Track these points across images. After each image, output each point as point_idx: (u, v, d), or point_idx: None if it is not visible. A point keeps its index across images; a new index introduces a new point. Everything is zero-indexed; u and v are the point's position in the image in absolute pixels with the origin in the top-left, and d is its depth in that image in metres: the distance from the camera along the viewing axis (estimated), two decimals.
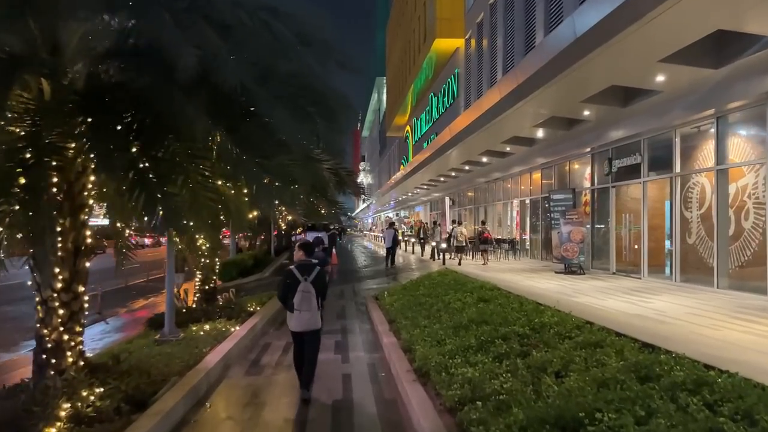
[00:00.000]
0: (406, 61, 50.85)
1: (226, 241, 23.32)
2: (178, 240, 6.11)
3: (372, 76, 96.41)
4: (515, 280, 13.93)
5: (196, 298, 10.74)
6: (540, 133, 16.77)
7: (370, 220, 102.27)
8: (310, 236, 28.83)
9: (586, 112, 13.69)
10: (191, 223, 5.22)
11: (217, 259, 10.81)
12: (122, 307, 18.08)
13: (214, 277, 10.74)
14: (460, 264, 19.62)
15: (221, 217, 6.70)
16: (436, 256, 23.20)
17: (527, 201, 22.95)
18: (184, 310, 10.53)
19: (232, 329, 9.17)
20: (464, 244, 21.07)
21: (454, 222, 25.50)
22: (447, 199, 30.24)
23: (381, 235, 36.18)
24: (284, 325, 10.28)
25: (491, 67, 25.51)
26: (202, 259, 9.95)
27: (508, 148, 19.79)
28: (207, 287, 10.57)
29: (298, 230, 32.13)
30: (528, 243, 22.88)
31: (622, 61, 9.95)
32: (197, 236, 6.01)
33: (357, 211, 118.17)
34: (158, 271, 27.02)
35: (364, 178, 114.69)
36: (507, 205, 25.95)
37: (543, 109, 14.13)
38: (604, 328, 5.79)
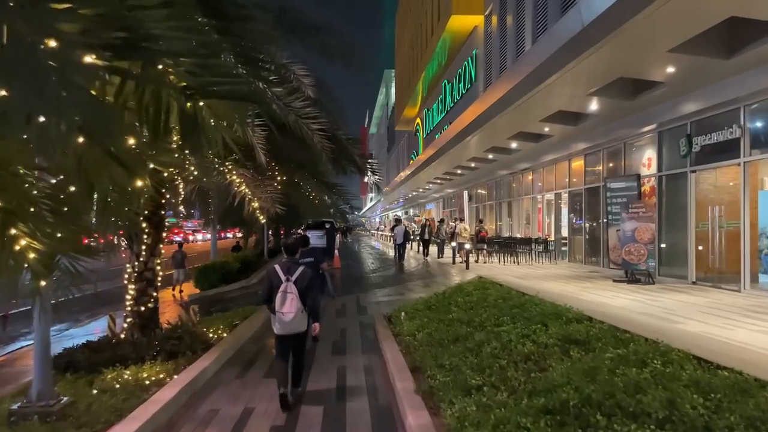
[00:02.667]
0: (417, 48, 47.48)
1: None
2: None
3: (380, 70, 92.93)
4: (569, 293, 10.52)
5: (125, 325, 7.38)
6: (594, 106, 13.29)
7: (377, 219, 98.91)
8: (311, 235, 25.50)
9: (670, 69, 10.20)
10: None
11: (158, 265, 7.43)
12: (75, 321, 14.83)
13: (154, 293, 7.36)
14: (455, 263, 18.96)
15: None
16: (454, 259, 19.89)
17: (564, 194, 19.47)
18: (114, 341, 7.25)
19: (165, 379, 5.82)
20: (466, 241, 19.44)
21: (456, 219, 22.95)
22: (465, 194, 26.85)
23: (390, 234, 32.93)
24: (252, 367, 6.95)
25: (517, 44, 22.01)
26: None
27: (546, 129, 16.32)
28: (142, 307, 7.20)
29: (301, 228, 28.89)
30: (566, 244, 19.38)
31: None
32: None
33: (364, 209, 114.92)
34: None
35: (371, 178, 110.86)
36: (536, 199, 22.46)
37: (608, 66, 10.64)
38: None
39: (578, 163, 18.11)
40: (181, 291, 16.77)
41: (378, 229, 72.75)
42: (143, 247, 7.21)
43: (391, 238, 28.97)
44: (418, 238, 28.69)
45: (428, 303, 9.02)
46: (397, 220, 26.38)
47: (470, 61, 29.94)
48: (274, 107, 5.96)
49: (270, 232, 27.40)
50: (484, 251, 20.79)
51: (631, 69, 10.75)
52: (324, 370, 6.60)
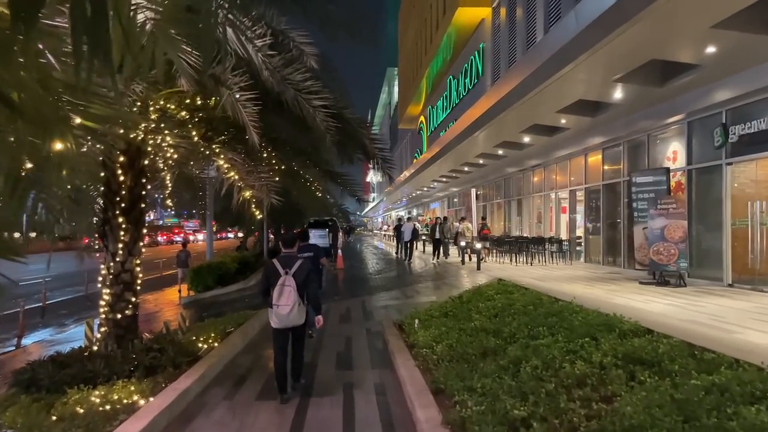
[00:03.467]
0: (421, 44, 46.55)
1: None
2: None
3: (382, 69, 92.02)
4: (596, 296, 9.52)
5: (99, 335, 6.41)
6: (617, 94, 12.31)
7: (380, 219, 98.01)
8: (313, 234, 24.46)
9: (710, 49, 9.21)
10: None
11: (137, 266, 6.47)
12: (59, 326, 13.86)
13: (133, 298, 6.40)
14: (464, 263, 18.44)
15: None
16: (463, 259, 19.00)
17: (579, 191, 18.48)
18: (86, 354, 6.31)
19: (139, 402, 4.87)
20: (470, 240, 19.58)
21: (461, 219, 22.49)
22: (473, 192, 25.83)
23: (393, 233, 31.93)
24: (243, 385, 5.98)
25: (527, 35, 21.01)
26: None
27: (563, 121, 15.35)
28: (119, 315, 6.25)
29: (304, 227, 27.94)
30: (582, 243, 18.39)
31: None
32: None
33: (366, 209, 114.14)
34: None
35: (374, 177, 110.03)
36: (549, 197, 21.47)
37: (641, 46, 9.64)
38: None
39: (595, 158, 17.13)
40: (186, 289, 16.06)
41: (381, 229, 71.95)
42: (120, 246, 6.25)
43: (394, 238, 28.17)
44: (425, 237, 27.71)
45: (444, 308, 8.05)
46: (401, 219, 25.80)
47: (477, 55, 28.99)
48: (267, 75, 4.99)
49: (270, 232, 26.44)
50: (486, 249, 20.32)
51: (665, 49, 9.77)
52: (328, 390, 5.63)
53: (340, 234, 20.58)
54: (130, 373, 5.77)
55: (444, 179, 33.51)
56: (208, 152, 5.46)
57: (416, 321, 7.47)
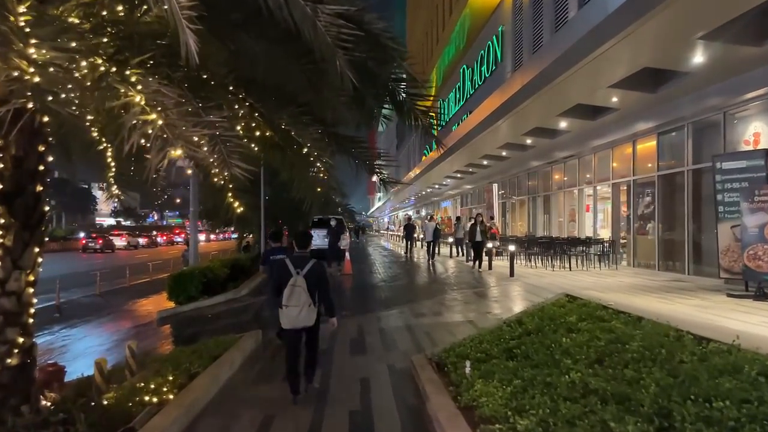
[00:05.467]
0: (432, 33, 44.29)
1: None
2: None
3: None
4: (688, 316, 7.01)
5: None
6: (697, 58, 9.81)
7: (386, 219, 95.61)
8: (316, 234, 21.70)
9: None
10: None
11: (31, 285, 4.04)
12: None
13: (21, 339, 3.94)
14: (491, 268, 16.27)
15: None
16: (490, 263, 16.54)
17: (624, 186, 15.98)
18: None
19: None
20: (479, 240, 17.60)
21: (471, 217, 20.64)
22: (494, 187, 23.36)
23: (401, 233, 29.79)
24: None
25: (556, 13, 18.48)
26: None
27: (614, 99, 12.85)
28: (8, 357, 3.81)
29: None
30: (627, 245, 15.86)
31: None
32: None
33: (372, 209, 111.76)
34: (124, 279, 20.63)
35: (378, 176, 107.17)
36: (584, 192, 18.94)
37: None
38: None
39: (647, 145, 14.63)
40: None
41: (387, 229, 69.98)
42: None
43: (404, 238, 26.18)
44: (451, 239, 25.24)
45: (502, 340, 5.56)
46: (410, 218, 24.04)
47: (495, 39, 26.59)
48: None
49: (269, 232, 24.04)
50: (494, 250, 18.45)
51: None
52: None
53: (345, 234, 18.10)
54: None
55: (458, 175, 31.10)
56: (118, 79, 3.01)
57: (467, 363, 5.00)
